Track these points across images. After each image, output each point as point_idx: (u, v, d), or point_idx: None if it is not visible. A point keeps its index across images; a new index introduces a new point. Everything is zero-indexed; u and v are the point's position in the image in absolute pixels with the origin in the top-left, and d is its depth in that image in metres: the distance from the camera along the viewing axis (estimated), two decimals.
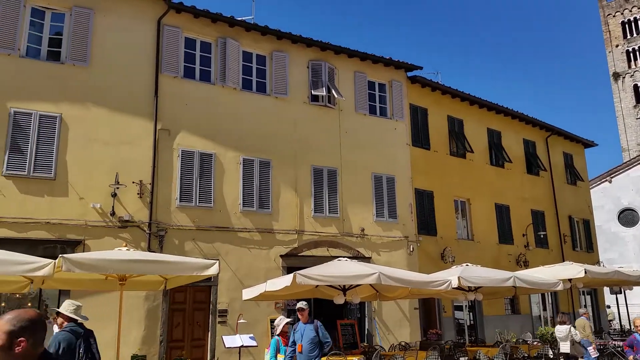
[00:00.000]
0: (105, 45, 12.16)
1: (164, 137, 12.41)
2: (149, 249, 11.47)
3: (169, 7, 12.84)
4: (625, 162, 38.87)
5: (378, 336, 14.41)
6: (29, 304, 10.54)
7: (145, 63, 12.55)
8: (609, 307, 25.56)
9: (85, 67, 11.83)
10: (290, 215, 13.80)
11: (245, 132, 13.58)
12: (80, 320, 5.91)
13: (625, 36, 52.74)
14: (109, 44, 12.21)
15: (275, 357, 8.49)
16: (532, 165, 21.82)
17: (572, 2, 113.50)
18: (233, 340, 10.46)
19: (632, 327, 12.40)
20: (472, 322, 17.98)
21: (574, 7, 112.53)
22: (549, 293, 20.20)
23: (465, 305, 17.64)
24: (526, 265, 18.89)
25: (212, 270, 7.91)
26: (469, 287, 11.33)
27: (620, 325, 21.94)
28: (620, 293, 20.41)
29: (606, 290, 23.15)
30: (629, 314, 20.11)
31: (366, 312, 14.66)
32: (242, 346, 10.40)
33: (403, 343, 13.70)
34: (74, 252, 10.23)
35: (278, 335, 8.72)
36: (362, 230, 14.90)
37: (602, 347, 13.78)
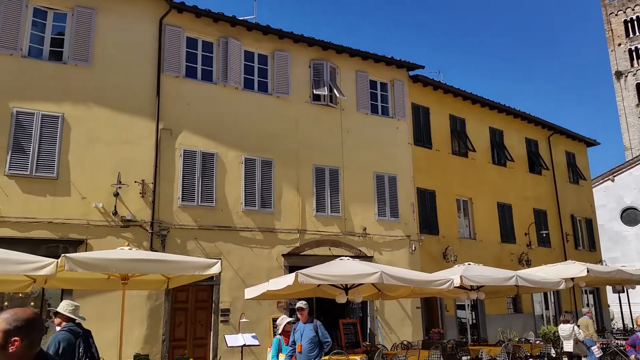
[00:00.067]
0: (107, 45, 12.18)
1: (166, 137, 12.42)
2: (151, 249, 11.49)
3: (170, 7, 12.85)
4: (628, 161, 38.78)
5: (380, 335, 14.41)
6: (32, 304, 10.57)
7: (147, 63, 12.57)
8: (608, 306, 25.51)
9: (87, 67, 11.85)
10: (292, 214, 13.80)
11: (247, 131, 13.59)
12: (78, 320, 5.92)
13: (627, 35, 52.59)
14: (111, 43, 12.23)
15: (277, 356, 8.48)
16: (535, 164, 21.79)
17: (574, 1, 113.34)
18: (235, 340, 10.48)
19: (635, 326, 12.39)
20: (474, 321, 17.97)
21: (576, 6, 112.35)
22: (552, 292, 20.17)
23: (468, 304, 17.63)
24: (528, 264, 18.86)
25: (214, 270, 7.93)
26: (471, 286, 11.33)
27: (623, 324, 21.90)
28: (623, 292, 20.36)
29: (609, 289, 23.13)
30: (632, 312, 20.09)
31: (368, 311, 14.66)
32: (244, 345, 10.41)
33: (405, 342, 13.69)
34: (76, 252, 10.26)
35: (280, 334, 8.72)
36: (364, 229, 14.89)
37: (604, 346, 13.75)
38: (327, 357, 10.25)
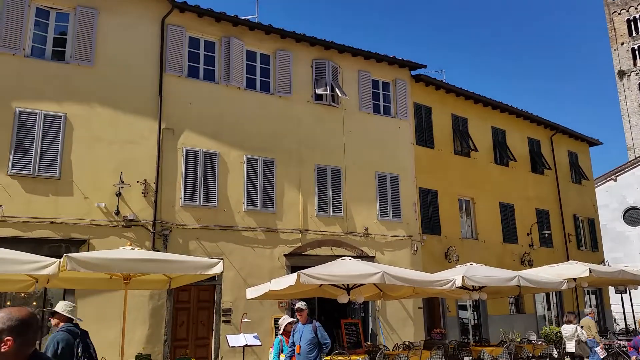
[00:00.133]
0: (110, 45, 12.19)
1: (168, 137, 12.43)
2: (153, 248, 11.50)
3: (172, 7, 12.85)
4: (631, 161, 38.68)
5: (382, 335, 14.40)
6: (34, 303, 10.59)
7: (149, 62, 12.58)
8: (610, 306, 25.43)
9: (89, 66, 11.86)
10: (294, 214, 13.80)
11: (249, 131, 13.59)
12: (76, 320, 5.95)
13: (630, 34, 52.44)
14: (113, 43, 12.24)
15: (278, 356, 8.48)
16: (537, 164, 21.75)
17: (577, 0, 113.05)
18: (237, 340, 10.49)
19: (638, 327, 12.36)
20: (476, 321, 17.95)
21: (579, 4, 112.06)
22: (554, 292, 20.13)
23: (470, 305, 17.61)
24: (530, 264, 18.84)
25: (216, 270, 7.93)
26: (473, 286, 11.32)
27: (626, 325, 21.86)
28: (626, 292, 20.34)
29: (611, 289, 23.08)
30: (634, 313, 20.06)
31: (370, 312, 14.66)
32: (246, 345, 10.42)
33: (407, 342, 13.68)
34: (78, 251, 10.28)
35: (281, 334, 8.72)
36: (366, 229, 14.89)
37: (607, 346, 13.72)
38: (328, 358, 10.25)
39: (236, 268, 12.60)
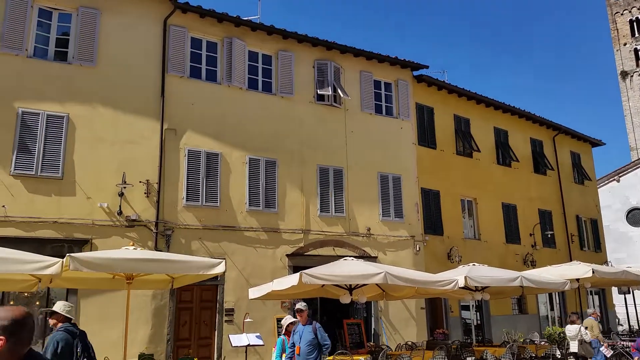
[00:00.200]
0: (112, 46, 12.22)
1: (170, 137, 12.45)
2: (156, 248, 11.52)
3: (175, 7, 12.87)
4: (634, 161, 38.59)
5: (384, 336, 14.39)
6: (37, 303, 10.61)
7: (151, 63, 12.60)
8: (614, 306, 25.37)
9: (92, 67, 11.89)
10: (296, 214, 13.80)
11: (251, 131, 13.60)
12: (73, 320, 5.99)
13: (633, 34, 52.32)
14: (116, 44, 12.27)
15: (281, 356, 8.47)
16: (540, 164, 21.72)
17: (580, 0, 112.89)
18: (239, 339, 10.49)
19: None
20: (479, 321, 17.92)
21: (581, 5, 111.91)
22: (557, 293, 20.10)
23: (472, 305, 17.58)
24: (533, 265, 18.80)
25: (219, 269, 7.93)
26: (475, 286, 11.30)
27: (629, 326, 21.80)
28: (629, 293, 20.30)
29: (614, 290, 23.02)
30: (638, 313, 19.99)
31: (372, 312, 14.64)
32: (248, 345, 10.42)
33: (410, 343, 13.67)
34: (81, 251, 10.29)
35: (284, 334, 8.71)
36: (368, 229, 14.88)
37: (611, 347, 13.68)
38: (331, 358, 10.24)
39: (238, 268, 12.61)
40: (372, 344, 13.57)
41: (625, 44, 52.45)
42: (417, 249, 15.62)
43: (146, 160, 12.01)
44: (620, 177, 37.13)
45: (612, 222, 35.30)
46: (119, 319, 9.65)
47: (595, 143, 25.35)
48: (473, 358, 12.12)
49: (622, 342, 14.55)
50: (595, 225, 24.31)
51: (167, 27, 12.95)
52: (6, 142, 10.72)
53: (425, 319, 15.44)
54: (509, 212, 19.67)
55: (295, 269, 12.32)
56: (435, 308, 16.55)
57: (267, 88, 14.28)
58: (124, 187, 11.48)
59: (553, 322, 20.13)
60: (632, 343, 12.30)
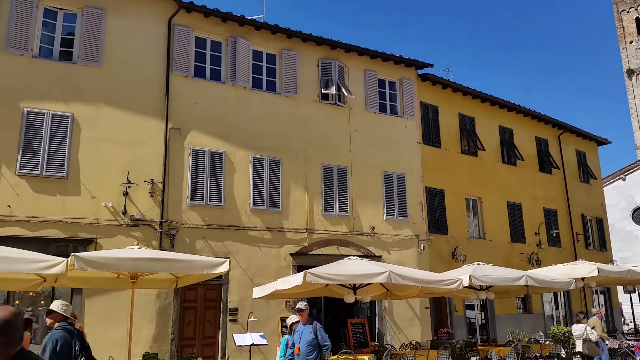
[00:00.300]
0: (117, 45, 12.25)
1: (174, 136, 12.47)
2: (160, 248, 11.54)
3: (179, 7, 12.89)
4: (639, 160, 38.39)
5: (389, 335, 14.38)
6: (42, 302, 10.66)
7: (156, 62, 12.62)
8: (620, 304, 25.27)
9: (96, 66, 11.92)
10: (300, 213, 13.81)
11: (255, 130, 13.60)
12: (70, 319, 6.02)
13: (639, 32, 52.01)
14: (120, 43, 12.30)
15: (284, 356, 8.48)
16: (545, 163, 21.63)
17: None
18: (244, 339, 10.51)
19: None
20: (483, 321, 17.88)
21: (587, 3, 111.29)
22: (562, 292, 20.03)
23: (477, 304, 17.54)
24: (538, 264, 18.74)
25: (223, 269, 7.95)
26: (480, 286, 11.27)
27: (635, 325, 21.71)
28: (634, 292, 20.20)
29: (619, 289, 22.93)
30: None
31: (377, 311, 14.63)
32: (252, 344, 10.43)
33: (414, 342, 13.65)
34: (86, 251, 10.34)
35: (288, 333, 8.72)
36: (373, 228, 14.86)
37: (617, 346, 13.63)
38: (335, 357, 10.25)
39: (243, 267, 12.62)
40: (376, 343, 13.57)
41: (631, 42, 52.12)
42: (422, 248, 15.60)
43: (151, 159, 12.03)
44: (625, 175, 36.93)
45: (618, 221, 35.12)
46: (124, 318, 9.68)
47: (600, 142, 25.23)
48: (477, 357, 12.10)
49: (627, 342, 14.49)
50: (601, 224, 24.21)
51: (172, 27, 12.97)
52: (11, 141, 10.77)
53: (429, 319, 15.43)
54: (514, 211, 19.61)
55: (299, 268, 12.33)
56: (440, 307, 16.53)
57: (271, 87, 14.28)
58: (129, 187, 11.52)
59: (558, 321, 20.06)
60: (637, 342, 12.26)
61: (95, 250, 10.62)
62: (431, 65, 16.97)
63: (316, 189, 14.19)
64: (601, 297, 23.20)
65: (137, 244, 8.41)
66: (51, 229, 10.72)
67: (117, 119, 11.86)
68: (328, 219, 14.22)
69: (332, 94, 14.99)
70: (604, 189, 27.25)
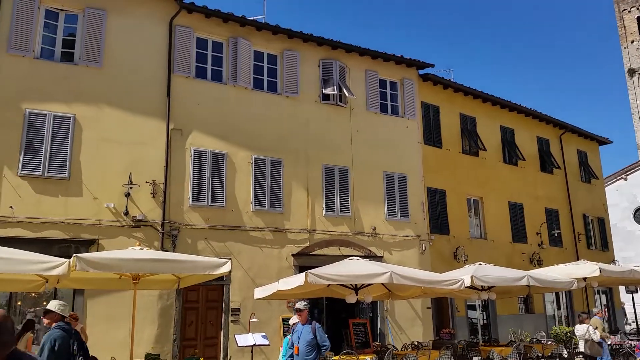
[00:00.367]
0: (118, 46, 12.26)
1: (176, 137, 12.48)
2: (162, 248, 11.56)
3: (180, 8, 12.90)
4: None
5: (390, 335, 14.38)
6: (44, 303, 10.65)
7: (157, 63, 12.64)
8: (622, 304, 25.24)
9: (98, 67, 11.94)
10: (301, 214, 13.81)
11: (256, 131, 13.61)
12: (67, 318, 6.04)
13: None
14: (122, 44, 12.31)
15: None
16: (546, 163, 21.62)
17: None
18: (245, 339, 10.52)
19: None
20: (485, 321, 17.87)
21: (588, 2, 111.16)
22: (564, 292, 20.01)
23: (479, 305, 17.53)
24: (540, 264, 18.72)
25: (224, 269, 7.96)
26: (482, 286, 11.27)
27: (637, 324, 21.68)
28: (636, 292, 20.19)
29: (622, 289, 22.89)
30: None
31: (378, 311, 14.63)
32: (254, 345, 10.44)
33: (416, 342, 13.65)
34: (88, 252, 10.35)
35: (290, 334, 8.71)
36: (374, 229, 14.86)
37: (618, 346, 13.62)
38: (337, 357, 10.25)
39: (244, 268, 12.63)
40: (377, 343, 13.57)
41: (632, 42, 52.05)
42: (423, 248, 15.60)
43: (152, 160, 12.05)
44: (627, 175, 36.89)
45: (619, 220, 35.07)
46: (126, 319, 9.70)
47: (602, 141, 25.21)
48: (479, 358, 12.09)
49: (629, 342, 14.47)
50: (603, 224, 24.18)
51: (173, 28, 12.98)
52: (13, 143, 10.79)
53: (431, 319, 15.42)
54: (516, 211, 19.60)
55: (300, 269, 12.34)
56: (442, 308, 16.52)
57: (272, 88, 14.29)
58: (130, 188, 11.53)
59: (560, 321, 20.04)
60: (638, 342, 12.25)
61: (97, 251, 10.64)
62: (432, 66, 16.98)
63: (317, 190, 14.20)
64: (603, 297, 23.16)
65: (139, 245, 8.43)
66: (53, 230, 10.74)
67: (118, 119, 11.88)
68: (329, 220, 14.22)
69: (333, 95, 15.00)
70: (606, 188, 27.21)
